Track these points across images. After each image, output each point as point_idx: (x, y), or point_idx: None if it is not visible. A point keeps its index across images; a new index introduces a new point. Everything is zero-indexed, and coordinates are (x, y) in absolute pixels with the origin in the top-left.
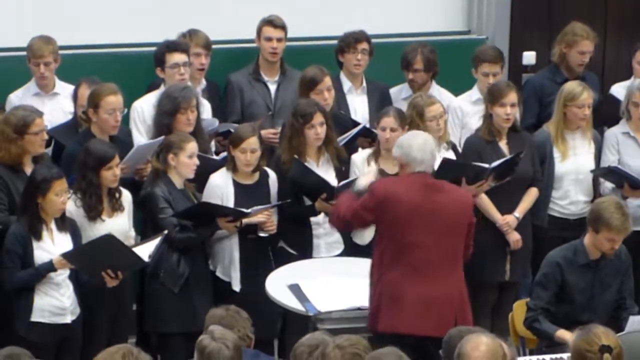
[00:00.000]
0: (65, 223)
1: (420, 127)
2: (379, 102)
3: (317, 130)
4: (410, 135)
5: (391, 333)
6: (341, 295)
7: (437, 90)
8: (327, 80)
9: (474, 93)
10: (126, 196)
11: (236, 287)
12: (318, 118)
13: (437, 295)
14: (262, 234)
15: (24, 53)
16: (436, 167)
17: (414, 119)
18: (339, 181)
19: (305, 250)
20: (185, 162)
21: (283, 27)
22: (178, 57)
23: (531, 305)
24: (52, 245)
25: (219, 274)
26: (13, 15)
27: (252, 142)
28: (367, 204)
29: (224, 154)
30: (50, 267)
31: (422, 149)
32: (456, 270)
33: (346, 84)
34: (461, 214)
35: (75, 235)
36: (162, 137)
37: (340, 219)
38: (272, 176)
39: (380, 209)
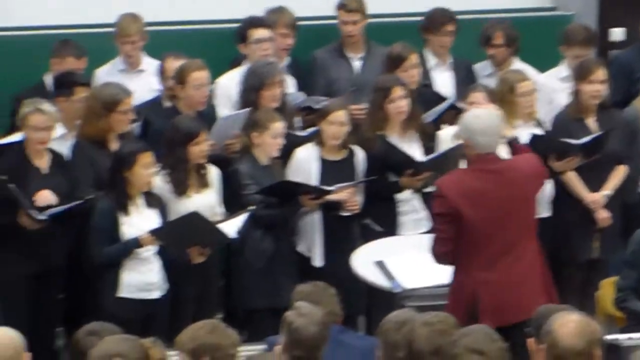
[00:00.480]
0: (152, 199)
1: (511, 103)
2: (465, 78)
3: (398, 103)
4: (472, 117)
5: None
6: (427, 272)
7: (519, 67)
8: (414, 58)
9: (563, 69)
10: (213, 172)
11: (317, 263)
12: (398, 91)
13: (516, 280)
14: (344, 214)
15: (111, 30)
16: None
17: (504, 94)
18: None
19: (391, 227)
20: (269, 141)
21: (357, 10)
22: (261, 33)
23: (620, 285)
24: (139, 221)
25: (300, 249)
26: None
27: (341, 115)
28: (438, 210)
29: (310, 129)
30: (137, 242)
31: (485, 132)
32: (531, 244)
33: (431, 60)
34: (530, 185)
35: (163, 211)
36: (247, 109)
37: (433, 254)
38: (359, 154)
39: (446, 205)
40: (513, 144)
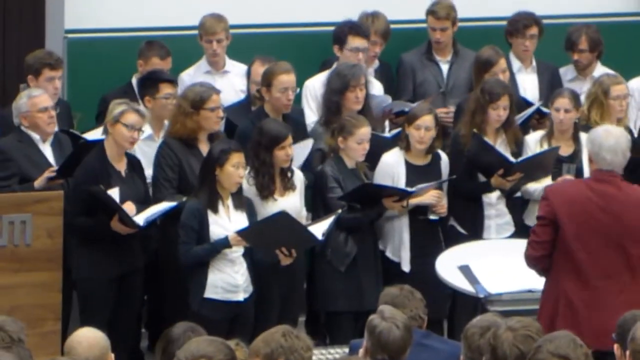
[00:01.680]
0: (241, 200)
1: (603, 106)
2: (550, 82)
3: (500, 112)
4: (603, 132)
5: None
6: (512, 277)
7: (603, 72)
8: (502, 63)
9: None
10: (298, 175)
11: (405, 267)
12: (505, 100)
13: (604, 308)
14: (432, 217)
15: (194, 32)
16: None
17: (598, 96)
18: None
19: (475, 230)
20: (354, 147)
21: (447, 17)
22: (359, 42)
23: None
24: (228, 222)
25: (388, 254)
26: None
27: (428, 120)
28: (539, 213)
29: (395, 131)
30: (225, 243)
31: (613, 150)
32: (635, 280)
33: (515, 63)
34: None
35: (251, 213)
36: (310, 143)
37: (525, 256)
38: (444, 158)
39: (549, 210)
40: None
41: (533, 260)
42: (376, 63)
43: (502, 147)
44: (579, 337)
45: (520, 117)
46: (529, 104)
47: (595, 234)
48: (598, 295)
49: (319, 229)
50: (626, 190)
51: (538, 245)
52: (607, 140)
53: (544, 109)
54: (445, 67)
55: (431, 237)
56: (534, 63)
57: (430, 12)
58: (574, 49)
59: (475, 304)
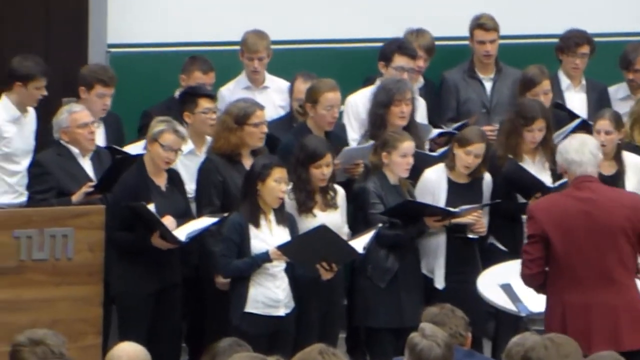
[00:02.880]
0: (284, 216)
1: None
2: (598, 101)
3: (535, 134)
4: (568, 139)
5: None
6: None
7: None
8: (546, 84)
9: None
10: (341, 193)
11: (439, 284)
12: (539, 123)
13: (606, 310)
14: (471, 236)
15: (234, 47)
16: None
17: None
18: (554, 182)
19: (515, 248)
20: (398, 161)
21: (495, 29)
22: (405, 62)
23: None
24: (269, 236)
25: (423, 270)
26: (222, 10)
27: (479, 148)
28: (528, 232)
29: (442, 150)
30: (266, 257)
31: (579, 150)
32: (627, 279)
33: (564, 81)
34: (627, 217)
35: (293, 229)
36: (371, 143)
37: (520, 276)
38: (487, 178)
39: (537, 227)
40: None
41: (529, 278)
42: (421, 81)
43: (539, 165)
44: (590, 343)
45: (562, 132)
46: (574, 116)
47: (586, 240)
48: (599, 299)
49: (360, 243)
50: (606, 193)
51: (531, 263)
52: (572, 144)
53: (590, 122)
54: (488, 85)
55: (468, 255)
56: (583, 81)
57: (478, 25)
58: (629, 68)
59: (518, 323)
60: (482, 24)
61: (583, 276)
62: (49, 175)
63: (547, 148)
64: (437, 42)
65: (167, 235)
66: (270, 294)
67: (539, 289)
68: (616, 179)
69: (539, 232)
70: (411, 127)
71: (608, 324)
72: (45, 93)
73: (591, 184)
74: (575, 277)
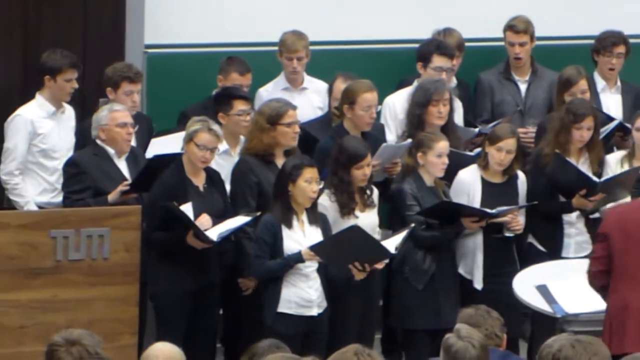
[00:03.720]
0: (316, 216)
1: None
2: (634, 103)
3: (584, 132)
4: None
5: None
6: (589, 297)
7: None
8: (582, 83)
9: None
10: (375, 192)
11: (478, 285)
12: (589, 121)
13: None
14: (507, 234)
15: (270, 48)
16: None
17: None
18: None
19: (554, 248)
20: (434, 161)
21: (526, 31)
22: (444, 62)
23: None
24: (302, 237)
25: (461, 271)
26: (262, 10)
27: (510, 143)
28: (598, 230)
29: (477, 150)
30: (298, 258)
31: None
32: None
33: (600, 83)
34: None
35: (326, 229)
36: (409, 141)
37: (587, 275)
38: (521, 177)
39: (603, 226)
40: None
41: (591, 276)
42: (454, 81)
43: (584, 167)
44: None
45: (602, 132)
46: (610, 119)
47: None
48: None
49: (392, 243)
50: None
51: (595, 261)
52: None
53: (627, 125)
54: (523, 87)
55: (505, 255)
56: (618, 83)
57: (509, 27)
58: None
59: (554, 324)
60: (512, 25)
61: None
62: (85, 174)
63: (594, 150)
64: (472, 43)
65: (199, 234)
66: (303, 294)
67: (600, 290)
68: None
69: (604, 230)
70: (449, 127)
71: None
72: (75, 86)
73: None
74: (636, 277)
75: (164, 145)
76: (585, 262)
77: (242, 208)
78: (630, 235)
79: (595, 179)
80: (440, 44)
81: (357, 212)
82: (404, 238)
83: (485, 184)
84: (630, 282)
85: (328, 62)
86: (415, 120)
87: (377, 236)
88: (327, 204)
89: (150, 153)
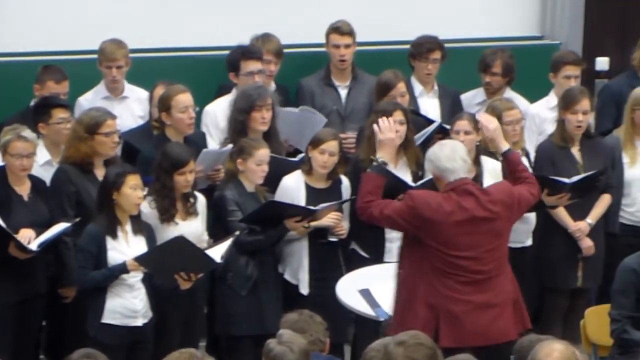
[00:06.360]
0: (140, 225)
1: None
2: (451, 107)
3: (397, 128)
4: (437, 146)
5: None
6: None
7: (511, 97)
8: (401, 86)
9: (552, 99)
10: (201, 200)
11: (304, 290)
12: (398, 116)
13: (493, 302)
14: (332, 239)
15: (90, 56)
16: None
17: None
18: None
19: (377, 254)
20: (253, 168)
21: (350, 34)
22: (253, 66)
23: (615, 316)
24: (126, 247)
25: (287, 276)
26: (80, 19)
27: (333, 145)
28: (402, 211)
29: (300, 156)
30: (123, 268)
31: (451, 157)
32: (503, 270)
33: (417, 87)
34: (503, 212)
35: (151, 238)
36: (230, 146)
37: (370, 217)
38: (345, 182)
39: (415, 219)
40: (508, 156)
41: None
42: (272, 86)
43: (403, 168)
44: (462, 339)
45: (421, 136)
46: (429, 122)
47: (461, 237)
48: (473, 296)
49: (217, 252)
50: (484, 190)
51: (393, 226)
52: (443, 152)
53: (445, 125)
54: (343, 92)
55: (331, 260)
56: (435, 87)
57: (334, 29)
58: (487, 71)
59: (377, 328)
60: (337, 27)
61: (460, 273)
62: None
63: (410, 150)
64: (292, 49)
65: (19, 244)
66: (128, 304)
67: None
68: (475, 182)
69: (411, 215)
70: (271, 133)
71: (480, 321)
72: None
73: (468, 185)
74: (451, 274)
75: None
76: None
77: (60, 217)
78: (450, 236)
79: (411, 182)
80: (245, 49)
81: (177, 220)
82: (229, 246)
83: (309, 189)
84: (460, 285)
85: (149, 70)
86: (239, 127)
87: (204, 245)
88: (146, 210)
89: None
